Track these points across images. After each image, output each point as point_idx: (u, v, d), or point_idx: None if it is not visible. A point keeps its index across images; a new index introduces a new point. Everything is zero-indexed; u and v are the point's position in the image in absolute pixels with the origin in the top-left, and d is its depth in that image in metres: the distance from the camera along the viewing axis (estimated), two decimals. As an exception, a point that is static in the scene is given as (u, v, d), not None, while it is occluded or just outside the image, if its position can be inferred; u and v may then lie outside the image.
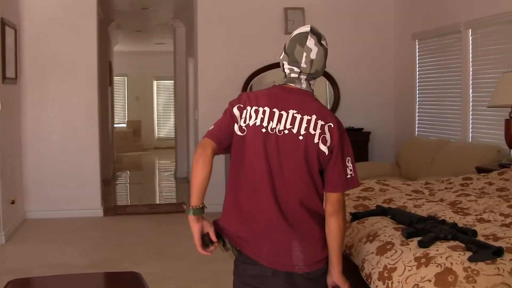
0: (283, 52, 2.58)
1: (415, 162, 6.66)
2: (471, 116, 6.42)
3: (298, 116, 2.44)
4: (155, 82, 17.97)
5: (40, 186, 7.66)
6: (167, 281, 5.09)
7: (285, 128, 2.44)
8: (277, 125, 2.45)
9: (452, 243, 2.58)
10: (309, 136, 2.42)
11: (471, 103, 6.42)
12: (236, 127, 2.49)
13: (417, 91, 7.61)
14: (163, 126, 18.13)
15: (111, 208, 8.45)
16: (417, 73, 7.60)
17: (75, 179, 7.75)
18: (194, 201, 2.42)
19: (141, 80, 17.65)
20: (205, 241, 2.44)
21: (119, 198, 10.24)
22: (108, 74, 11.57)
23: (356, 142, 7.57)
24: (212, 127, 2.54)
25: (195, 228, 2.44)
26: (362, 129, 7.84)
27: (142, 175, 13.64)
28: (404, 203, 3.50)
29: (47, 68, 7.59)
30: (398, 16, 8.11)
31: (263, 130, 2.45)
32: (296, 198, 2.45)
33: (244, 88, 7.87)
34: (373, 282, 2.69)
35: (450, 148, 6.24)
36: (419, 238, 2.66)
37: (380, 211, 3.25)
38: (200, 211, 2.43)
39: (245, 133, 2.48)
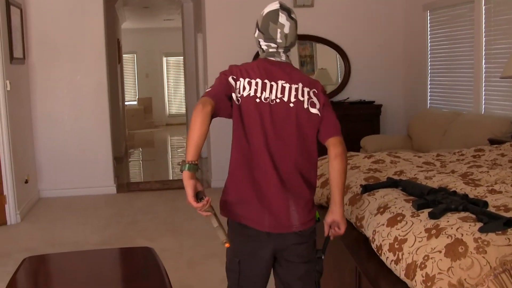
0: (257, 31, 2.74)
1: (427, 135, 6.63)
2: (483, 88, 6.35)
3: (287, 86, 2.64)
4: (164, 59, 17.92)
5: (53, 165, 7.71)
6: (179, 257, 5.12)
7: (276, 97, 2.62)
8: (269, 95, 2.62)
9: (462, 214, 2.57)
10: (299, 103, 2.63)
11: (483, 74, 6.34)
12: (234, 96, 2.62)
13: (429, 63, 7.54)
14: (174, 103, 18.10)
15: (124, 185, 8.50)
16: (429, 44, 7.51)
17: (87, 157, 7.80)
18: (191, 156, 2.44)
19: (150, 57, 17.60)
20: (199, 195, 2.45)
21: (132, 175, 10.28)
22: (116, 52, 11.56)
23: (367, 115, 7.56)
24: (210, 88, 2.61)
25: (189, 182, 2.43)
26: (373, 102, 7.80)
27: (154, 152, 13.66)
28: (415, 175, 3.49)
29: (55, 48, 7.59)
30: (408, -13, 8.02)
31: (257, 100, 2.61)
32: (291, 163, 2.63)
33: None
34: (384, 253, 2.69)
35: (462, 120, 6.19)
36: (429, 210, 2.65)
37: (391, 183, 3.23)
38: (195, 168, 2.45)
39: (239, 103, 2.62)
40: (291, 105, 2.62)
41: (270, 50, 2.71)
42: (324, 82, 8.16)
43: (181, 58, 13.42)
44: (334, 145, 2.64)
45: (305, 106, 2.63)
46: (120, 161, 10.93)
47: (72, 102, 7.72)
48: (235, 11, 7.84)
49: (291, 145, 2.63)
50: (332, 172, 2.63)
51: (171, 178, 9.62)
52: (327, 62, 8.25)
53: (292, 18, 2.69)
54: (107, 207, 7.21)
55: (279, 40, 2.68)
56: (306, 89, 2.65)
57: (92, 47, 7.73)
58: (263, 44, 2.73)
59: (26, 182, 6.98)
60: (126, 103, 14.88)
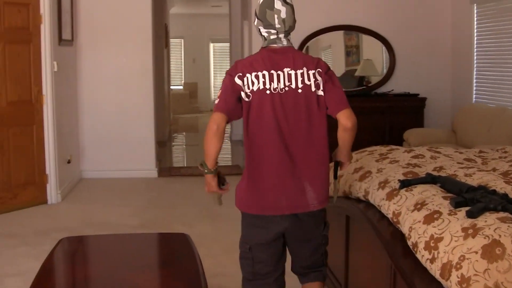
0: (256, 19, 2.85)
1: (471, 130, 6.49)
2: (532, 83, 6.19)
3: (293, 72, 2.76)
4: (211, 45, 17.96)
5: (96, 146, 7.81)
6: (215, 243, 5.12)
7: (285, 86, 2.75)
8: (278, 84, 2.74)
9: (501, 214, 2.50)
10: (306, 87, 2.76)
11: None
12: (243, 94, 2.76)
13: (475, 57, 7.36)
14: (219, 88, 18.07)
15: (166, 169, 8.56)
16: (475, 38, 7.33)
17: (130, 140, 7.87)
18: (212, 165, 2.80)
19: (197, 43, 17.65)
20: (220, 180, 2.89)
21: (175, 160, 10.36)
22: (164, 37, 11.61)
23: (412, 107, 7.44)
24: (218, 100, 2.78)
25: (213, 180, 2.84)
26: (418, 94, 7.66)
27: (198, 137, 13.67)
28: (454, 171, 3.40)
29: (102, 30, 7.68)
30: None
31: (268, 92, 2.74)
32: (304, 146, 2.79)
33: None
34: (419, 251, 2.63)
35: (508, 115, 6.04)
36: (467, 208, 2.58)
37: (430, 179, 3.16)
38: (215, 171, 2.82)
39: (250, 98, 2.75)
40: (300, 91, 2.75)
41: (272, 37, 2.82)
42: (369, 73, 8.13)
43: (228, 44, 13.40)
44: (345, 118, 2.76)
45: (313, 89, 2.77)
46: (163, 145, 11.01)
47: (117, 84, 7.80)
48: None
49: (303, 129, 2.77)
50: (341, 140, 2.85)
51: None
52: (372, 53, 8.14)
53: (287, 3, 2.80)
54: (147, 190, 7.28)
55: (277, 26, 2.79)
56: (311, 72, 2.77)
57: (139, 31, 7.78)
58: (263, 31, 2.83)
59: (69, 162, 7.08)
60: (172, 87, 14.96)
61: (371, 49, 8.15)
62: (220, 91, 2.82)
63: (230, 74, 2.80)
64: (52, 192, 6.53)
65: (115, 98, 7.80)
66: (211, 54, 18.04)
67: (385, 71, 8.03)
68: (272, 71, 2.74)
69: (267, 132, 2.75)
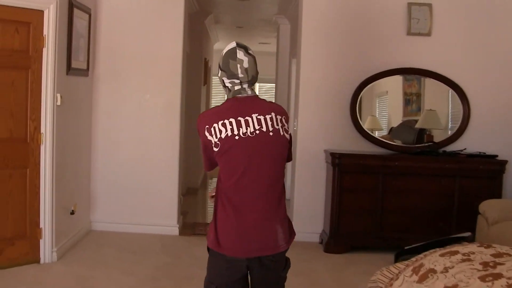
0: (220, 70, 2.97)
1: None
2: None
3: (262, 117, 2.86)
4: (257, 85, 16.92)
5: (110, 195, 6.73)
6: None
7: (255, 129, 2.83)
8: (247, 129, 2.82)
9: None
10: (276, 131, 2.88)
11: None
12: (212, 146, 2.84)
13: None
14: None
15: (189, 225, 7.37)
16: None
17: (150, 189, 6.75)
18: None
19: (242, 82, 16.64)
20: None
21: (203, 213, 9.09)
22: (202, 72, 10.57)
23: (488, 171, 6.14)
24: (203, 159, 2.99)
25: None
26: (496, 156, 6.31)
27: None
28: None
29: (124, 60, 6.66)
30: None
31: (236, 137, 2.81)
32: (275, 186, 2.91)
33: (354, 100, 6.63)
34: None
35: None
36: None
37: None
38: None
39: (219, 147, 2.82)
40: (271, 134, 2.86)
41: (236, 87, 2.92)
42: (432, 125, 6.86)
43: (274, 85, 12.33)
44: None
45: (281, 133, 2.90)
46: (193, 192, 9.89)
47: (138, 122, 6.71)
48: (335, 35, 6.64)
49: (274, 170, 2.90)
50: None
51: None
52: (436, 102, 6.92)
53: (249, 54, 2.93)
54: (163, 253, 6.06)
55: (240, 75, 2.89)
56: (279, 117, 2.91)
57: (167, 63, 6.70)
58: (227, 82, 2.93)
59: (72, 213, 5.96)
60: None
61: (436, 98, 6.95)
62: (202, 149, 2.94)
63: (200, 129, 2.88)
64: (46, 249, 5.41)
65: (135, 140, 6.70)
66: (257, 94, 16.96)
67: (450, 123, 6.79)
68: (240, 118, 2.83)
69: (242, 176, 2.82)
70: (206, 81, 11.47)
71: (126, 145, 6.69)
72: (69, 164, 5.85)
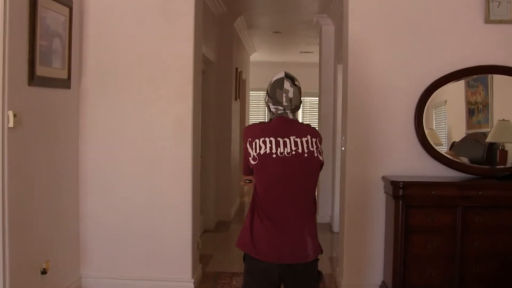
0: (267, 96, 3.31)
1: None
2: None
3: (299, 140, 3.18)
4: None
5: (104, 242, 5.27)
6: None
7: (291, 150, 3.14)
8: (284, 149, 3.14)
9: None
10: (311, 153, 3.18)
11: None
12: (250, 159, 3.19)
13: None
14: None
15: (211, 276, 5.79)
16: None
17: (156, 234, 5.26)
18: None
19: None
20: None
21: (232, 255, 7.22)
22: (233, 84, 9.06)
23: None
24: (243, 163, 3.36)
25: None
26: None
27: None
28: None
29: (120, 69, 5.17)
30: None
31: (274, 156, 3.13)
32: (306, 202, 3.18)
33: (419, 110, 5.23)
34: None
35: None
36: None
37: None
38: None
39: (256, 161, 3.15)
40: (306, 155, 3.14)
41: (279, 111, 3.25)
42: (506, 139, 5.34)
43: (317, 98, 10.79)
44: None
45: (315, 155, 3.18)
46: (224, 228, 8.35)
47: (139, 149, 5.21)
48: (391, 32, 5.21)
49: (306, 188, 3.18)
50: None
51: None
52: (508, 110, 5.53)
53: (295, 85, 3.28)
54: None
55: (285, 103, 3.24)
56: (313, 140, 3.20)
57: (176, 72, 5.18)
58: (272, 107, 3.28)
59: (44, 272, 4.45)
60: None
61: (507, 106, 5.59)
62: (243, 154, 3.28)
63: (244, 139, 3.24)
64: (3, 328, 3.90)
65: (135, 173, 5.20)
66: (300, 109, 15.50)
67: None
68: (279, 138, 3.15)
69: (276, 191, 3.12)
70: (239, 96, 9.91)
71: (124, 179, 5.19)
72: (37, 208, 4.35)
